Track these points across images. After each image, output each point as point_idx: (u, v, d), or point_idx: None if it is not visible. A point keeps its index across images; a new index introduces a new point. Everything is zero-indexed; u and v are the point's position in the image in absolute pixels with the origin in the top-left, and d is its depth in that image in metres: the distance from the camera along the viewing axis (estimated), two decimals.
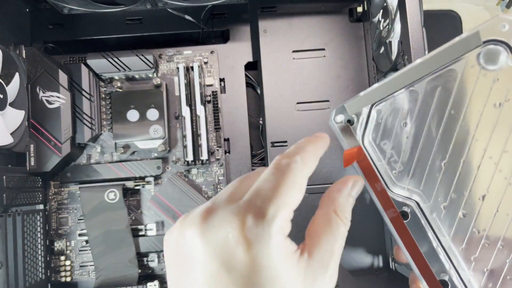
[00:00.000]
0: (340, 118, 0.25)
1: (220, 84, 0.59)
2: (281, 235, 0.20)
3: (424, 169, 0.24)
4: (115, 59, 0.55)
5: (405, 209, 0.24)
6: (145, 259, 0.55)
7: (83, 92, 0.53)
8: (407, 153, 0.25)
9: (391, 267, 0.55)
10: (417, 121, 0.24)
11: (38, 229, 0.53)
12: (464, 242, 0.24)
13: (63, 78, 0.52)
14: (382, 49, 0.52)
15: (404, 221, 0.24)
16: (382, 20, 0.50)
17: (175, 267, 0.21)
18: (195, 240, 0.20)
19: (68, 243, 0.55)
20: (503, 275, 0.23)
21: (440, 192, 0.24)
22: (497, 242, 0.23)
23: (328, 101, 0.57)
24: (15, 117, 0.47)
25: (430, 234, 0.24)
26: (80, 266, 0.55)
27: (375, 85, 0.25)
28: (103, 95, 0.57)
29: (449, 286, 0.23)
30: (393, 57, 0.48)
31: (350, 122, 0.25)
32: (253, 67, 0.60)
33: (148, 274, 0.55)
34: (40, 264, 0.52)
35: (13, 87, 0.47)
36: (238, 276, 0.19)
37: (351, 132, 0.25)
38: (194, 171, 0.57)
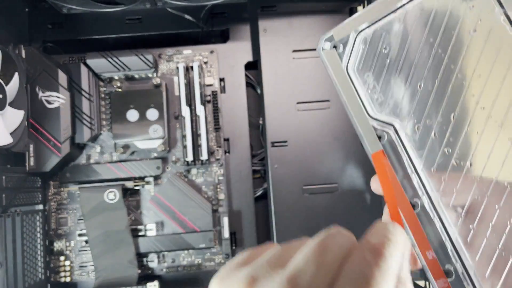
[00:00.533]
0: (328, 45, 0.26)
1: (220, 84, 0.59)
2: None
3: (403, 95, 0.25)
4: (115, 59, 0.54)
5: (383, 134, 0.25)
6: (144, 259, 0.55)
7: (83, 92, 0.53)
8: (387, 80, 0.25)
9: None
10: (397, 48, 0.25)
11: (38, 229, 0.53)
12: (435, 163, 0.24)
13: (62, 78, 0.52)
14: None
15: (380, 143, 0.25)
16: None
17: None
18: None
19: (67, 244, 0.55)
20: (472, 195, 0.24)
21: (416, 115, 0.25)
22: (466, 163, 0.24)
23: (328, 101, 0.57)
24: (14, 117, 0.47)
25: (405, 159, 0.25)
26: (80, 267, 0.55)
27: (361, 11, 0.26)
28: (103, 95, 0.57)
29: (419, 207, 0.24)
30: None
31: (336, 48, 0.26)
32: (253, 66, 0.60)
33: (147, 275, 0.55)
34: (39, 265, 0.52)
35: (12, 87, 0.47)
36: None
37: (337, 59, 0.26)
38: (194, 171, 0.57)
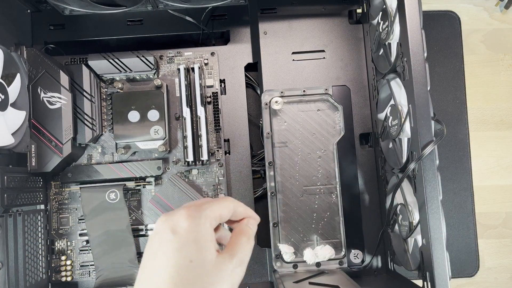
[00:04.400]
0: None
1: (221, 85, 0.59)
2: None
3: None
4: (116, 60, 0.55)
5: None
6: None
7: (84, 93, 0.54)
8: None
9: (389, 267, 0.55)
10: None
11: (39, 229, 0.53)
12: None
13: (64, 78, 0.52)
14: (381, 51, 0.52)
15: None
16: (382, 22, 0.50)
17: None
18: None
19: (68, 243, 0.56)
20: None
21: None
22: None
23: None
24: (16, 117, 0.47)
25: None
26: (81, 266, 0.55)
27: None
28: (104, 96, 0.57)
29: None
30: (392, 59, 0.48)
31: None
32: (253, 68, 0.61)
33: None
34: (40, 264, 0.52)
35: (14, 88, 0.47)
36: None
37: None
38: (194, 171, 0.57)
